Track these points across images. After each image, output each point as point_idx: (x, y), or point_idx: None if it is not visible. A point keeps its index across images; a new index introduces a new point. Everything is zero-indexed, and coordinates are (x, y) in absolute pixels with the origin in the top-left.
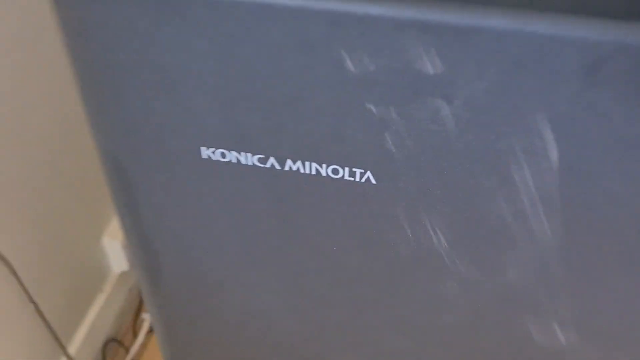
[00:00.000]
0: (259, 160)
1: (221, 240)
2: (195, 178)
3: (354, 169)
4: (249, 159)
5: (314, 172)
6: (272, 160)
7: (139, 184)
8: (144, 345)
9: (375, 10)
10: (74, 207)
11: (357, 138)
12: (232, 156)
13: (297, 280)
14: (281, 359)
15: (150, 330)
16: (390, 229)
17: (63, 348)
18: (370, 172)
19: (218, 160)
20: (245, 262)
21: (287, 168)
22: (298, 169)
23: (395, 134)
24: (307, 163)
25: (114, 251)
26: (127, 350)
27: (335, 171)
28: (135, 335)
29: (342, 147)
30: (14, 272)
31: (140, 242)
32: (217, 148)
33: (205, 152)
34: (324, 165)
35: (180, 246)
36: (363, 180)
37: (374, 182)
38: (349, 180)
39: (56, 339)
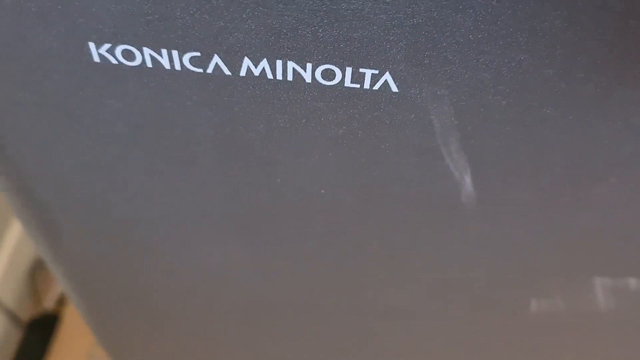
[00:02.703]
0: (193, 61)
1: (142, 194)
2: (83, 97)
3: (362, 70)
4: (175, 59)
5: (292, 78)
6: (216, 60)
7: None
8: None
9: None
10: None
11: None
12: (145, 56)
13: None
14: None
15: None
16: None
17: None
18: (389, 73)
19: (120, 65)
20: (182, 216)
21: (242, 73)
22: (263, 72)
23: None
24: (281, 63)
25: None
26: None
27: (328, 74)
28: None
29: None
30: None
31: (26, 200)
32: (117, 43)
33: (99, 52)
34: (309, 66)
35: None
36: (377, 87)
37: (394, 89)
38: (354, 87)
39: None
